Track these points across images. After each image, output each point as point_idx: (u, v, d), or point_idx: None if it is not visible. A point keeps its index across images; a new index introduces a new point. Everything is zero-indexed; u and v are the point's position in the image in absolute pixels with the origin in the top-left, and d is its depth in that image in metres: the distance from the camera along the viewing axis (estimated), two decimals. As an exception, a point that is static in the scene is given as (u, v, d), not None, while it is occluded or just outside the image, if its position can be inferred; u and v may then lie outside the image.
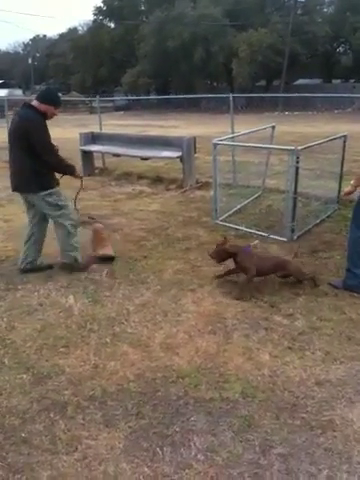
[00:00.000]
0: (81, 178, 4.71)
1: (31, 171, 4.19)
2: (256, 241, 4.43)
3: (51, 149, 4.21)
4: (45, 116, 4.20)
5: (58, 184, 4.40)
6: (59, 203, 4.36)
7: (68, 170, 4.44)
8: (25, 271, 4.54)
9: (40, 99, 4.17)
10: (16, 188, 4.38)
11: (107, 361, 3.11)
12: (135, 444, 2.41)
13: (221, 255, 4.22)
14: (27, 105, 4.18)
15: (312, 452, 2.33)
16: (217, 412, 2.62)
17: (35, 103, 4.16)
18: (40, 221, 4.54)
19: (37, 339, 3.40)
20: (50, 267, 4.66)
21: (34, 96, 4.48)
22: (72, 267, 4.55)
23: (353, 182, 3.98)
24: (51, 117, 4.26)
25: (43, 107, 4.16)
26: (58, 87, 55.60)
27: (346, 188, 4.12)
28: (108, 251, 4.83)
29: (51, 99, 4.24)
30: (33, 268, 4.57)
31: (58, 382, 2.91)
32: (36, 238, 4.56)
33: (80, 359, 3.15)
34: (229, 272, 4.32)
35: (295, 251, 4.49)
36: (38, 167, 4.18)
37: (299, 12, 39.40)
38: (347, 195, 4.19)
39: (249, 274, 4.06)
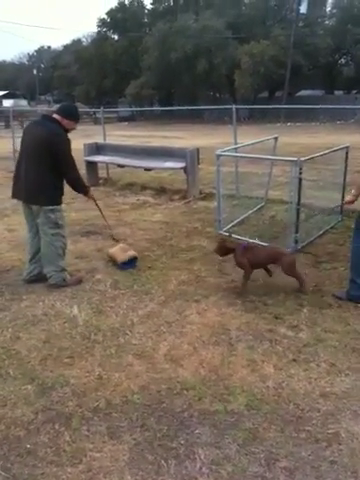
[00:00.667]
0: (94, 199, 4.80)
1: (46, 184, 4.19)
2: (256, 239, 4.52)
3: (74, 165, 4.27)
4: (66, 131, 4.25)
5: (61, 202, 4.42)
6: (58, 222, 4.35)
7: (84, 189, 4.52)
8: (30, 282, 4.55)
9: (63, 114, 4.20)
10: (26, 199, 4.32)
11: (112, 372, 3.11)
12: (140, 456, 2.40)
13: (222, 250, 4.44)
14: (50, 118, 4.21)
15: (317, 466, 2.32)
16: (222, 425, 2.61)
17: (58, 117, 4.19)
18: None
19: (42, 350, 3.41)
20: None
21: (52, 109, 4.57)
22: (60, 285, 4.51)
23: (354, 191, 4.00)
24: (69, 132, 4.31)
25: (66, 122, 4.20)
26: (62, 98, 56.13)
27: (347, 197, 4.15)
28: (131, 252, 4.94)
29: (73, 114, 4.30)
30: (38, 278, 4.56)
31: (63, 393, 2.91)
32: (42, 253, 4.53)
33: (85, 370, 3.15)
34: (245, 281, 4.33)
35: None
36: (55, 182, 4.23)
37: (300, 24, 39.64)
38: (348, 204, 4.21)
39: (245, 270, 4.24)
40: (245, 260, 4.22)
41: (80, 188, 4.48)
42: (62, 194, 4.37)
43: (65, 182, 4.34)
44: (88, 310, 4.01)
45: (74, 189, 4.44)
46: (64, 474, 2.30)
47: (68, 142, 4.20)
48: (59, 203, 4.35)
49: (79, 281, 4.57)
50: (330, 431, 2.55)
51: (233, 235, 4.93)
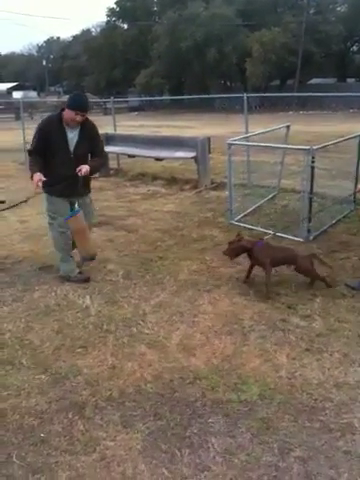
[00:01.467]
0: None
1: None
2: (268, 236, 4.42)
3: (30, 152, 4.24)
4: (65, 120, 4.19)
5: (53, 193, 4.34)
6: (50, 213, 4.34)
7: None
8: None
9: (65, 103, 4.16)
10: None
11: (124, 362, 3.12)
12: (153, 445, 2.41)
13: (237, 251, 4.22)
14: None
15: (331, 455, 2.31)
16: (235, 414, 2.61)
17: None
18: None
19: (54, 340, 3.43)
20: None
21: (61, 100, 4.50)
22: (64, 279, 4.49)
23: None
24: (70, 122, 4.19)
25: (64, 112, 4.13)
26: (71, 89, 55.93)
27: (359, 185, 4.06)
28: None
29: (70, 103, 4.17)
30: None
31: (76, 383, 2.93)
32: None
33: (97, 360, 3.16)
34: (250, 271, 4.31)
35: (313, 253, 4.43)
36: (45, 169, 4.18)
37: (312, 11, 39.15)
38: None
39: (267, 269, 4.08)
40: (267, 259, 4.08)
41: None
42: (52, 184, 4.09)
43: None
44: (100, 300, 4.02)
45: (97, 172, 4.50)
46: (78, 462, 2.31)
47: (37, 129, 4.12)
48: (49, 192, 4.22)
49: (85, 280, 4.43)
50: (344, 421, 2.54)
51: (245, 224, 4.88)
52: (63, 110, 4.09)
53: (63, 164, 4.09)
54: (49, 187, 4.14)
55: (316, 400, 2.71)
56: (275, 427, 2.50)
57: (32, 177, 4.03)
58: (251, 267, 4.29)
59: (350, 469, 2.22)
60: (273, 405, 2.67)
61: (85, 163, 4.13)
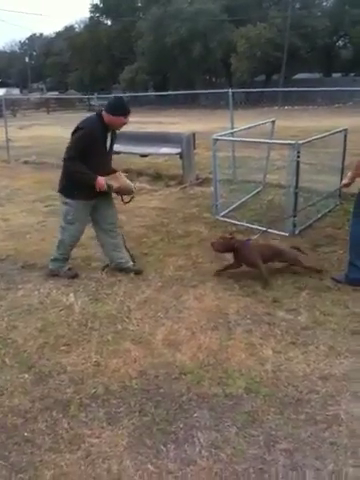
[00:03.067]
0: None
1: (63, 173, 4.21)
2: (256, 236, 4.43)
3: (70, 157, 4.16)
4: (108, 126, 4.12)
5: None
6: (67, 217, 4.30)
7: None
8: (120, 270, 4.48)
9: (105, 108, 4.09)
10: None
11: (109, 359, 3.10)
12: (139, 441, 2.39)
13: (225, 247, 4.26)
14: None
15: (317, 447, 2.31)
16: (221, 408, 2.61)
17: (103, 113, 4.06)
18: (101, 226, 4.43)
19: (38, 338, 3.39)
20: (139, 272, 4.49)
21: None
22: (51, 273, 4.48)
23: (350, 174, 3.95)
24: (114, 127, 4.16)
25: (107, 117, 4.04)
26: (55, 86, 55.51)
27: (343, 180, 4.09)
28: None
29: (110, 108, 4.11)
30: (122, 268, 4.48)
31: (60, 381, 2.90)
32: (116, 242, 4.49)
33: (82, 357, 3.13)
34: (227, 268, 4.34)
35: (297, 246, 4.47)
36: (68, 174, 4.18)
37: (297, 6, 39.19)
38: (345, 187, 4.17)
39: (260, 267, 4.12)
40: (258, 257, 4.11)
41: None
42: (83, 188, 4.05)
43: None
44: (84, 298, 3.99)
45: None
46: (63, 461, 2.29)
47: (82, 136, 3.98)
48: (76, 198, 4.14)
49: (74, 276, 4.41)
50: (329, 413, 2.54)
51: (230, 220, 4.89)
52: (99, 114, 4.01)
53: (99, 166, 4.06)
54: (78, 191, 4.09)
55: (302, 392, 2.71)
56: (261, 420, 2.50)
57: (95, 181, 3.99)
58: (231, 266, 4.32)
59: (336, 460, 2.23)
60: (259, 398, 2.66)
61: (111, 162, 4.28)
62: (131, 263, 4.51)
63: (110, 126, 4.05)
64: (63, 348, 3.25)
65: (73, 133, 4.05)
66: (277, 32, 35.85)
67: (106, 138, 4.10)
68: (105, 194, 4.19)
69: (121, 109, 4.00)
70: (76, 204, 4.16)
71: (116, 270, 4.47)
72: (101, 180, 4.00)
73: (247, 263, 4.23)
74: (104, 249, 4.50)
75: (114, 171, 4.27)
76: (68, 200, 4.18)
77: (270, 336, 3.30)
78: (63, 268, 4.45)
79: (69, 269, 4.48)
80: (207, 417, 2.54)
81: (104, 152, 4.15)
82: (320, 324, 3.43)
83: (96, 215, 4.34)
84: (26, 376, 2.94)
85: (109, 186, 4.08)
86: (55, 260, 4.44)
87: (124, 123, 4.05)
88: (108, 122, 4.00)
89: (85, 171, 3.99)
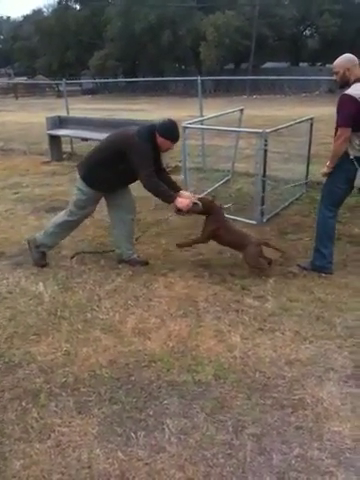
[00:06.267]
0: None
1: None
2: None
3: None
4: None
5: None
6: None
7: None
8: (126, 262, 4.41)
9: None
10: None
11: (79, 348, 3.09)
12: (109, 429, 2.41)
13: (205, 207, 4.07)
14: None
15: (283, 431, 2.38)
16: (190, 395, 2.64)
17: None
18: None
19: (7, 327, 3.35)
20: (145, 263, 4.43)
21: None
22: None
23: (329, 163, 3.95)
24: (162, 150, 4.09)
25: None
26: (23, 71, 54.12)
27: (323, 169, 4.05)
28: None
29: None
30: (125, 260, 4.41)
31: (29, 370, 2.88)
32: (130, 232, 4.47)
33: (51, 346, 3.12)
34: (194, 242, 4.37)
35: (265, 242, 4.34)
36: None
37: (266, -6, 39.26)
38: (325, 176, 4.11)
39: (201, 238, 4.21)
40: (210, 232, 4.10)
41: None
42: (102, 183, 4.09)
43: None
44: (54, 286, 3.96)
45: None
46: (32, 450, 2.28)
47: (149, 151, 3.89)
48: (97, 189, 4.13)
49: (43, 265, 4.37)
50: (295, 397, 2.61)
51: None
52: (152, 133, 3.90)
53: (131, 179, 4.16)
54: (101, 184, 4.08)
55: (269, 378, 2.77)
56: (229, 406, 2.55)
57: (173, 201, 3.94)
58: (199, 240, 4.30)
59: (302, 443, 2.30)
60: (227, 384, 2.71)
61: None
62: (136, 255, 4.47)
63: (160, 148, 3.98)
64: (32, 337, 3.22)
65: (123, 140, 3.93)
66: (245, 20, 35.88)
67: (156, 159, 4.01)
68: (124, 183, 4.20)
69: (175, 134, 3.93)
70: (93, 194, 4.12)
71: (121, 261, 4.40)
72: (185, 201, 3.93)
73: (205, 226, 4.16)
74: (115, 237, 4.42)
75: (178, 189, 4.19)
76: (86, 189, 4.09)
77: (238, 323, 3.35)
78: (45, 248, 4.40)
79: (40, 253, 4.40)
80: (176, 404, 2.58)
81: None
82: (286, 310, 3.51)
83: (116, 202, 4.30)
84: (-6, 366, 2.92)
85: (196, 204, 3.99)
86: (47, 234, 4.34)
87: (169, 149, 4.04)
88: (158, 143, 3.92)
89: (166, 189, 3.98)
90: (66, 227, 4.36)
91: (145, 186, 3.96)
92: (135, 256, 4.44)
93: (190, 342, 3.13)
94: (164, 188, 3.96)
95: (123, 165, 3.91)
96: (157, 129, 3.90)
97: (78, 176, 4.15)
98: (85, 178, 4.09)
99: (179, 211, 4.00)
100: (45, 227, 4.43)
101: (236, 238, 4.18)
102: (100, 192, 4.18)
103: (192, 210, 4.02)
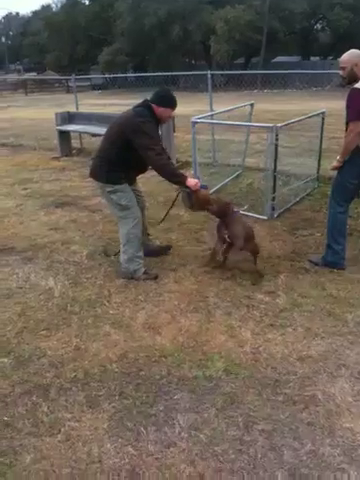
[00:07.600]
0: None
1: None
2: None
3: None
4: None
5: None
6: (121, 203, 3.99)
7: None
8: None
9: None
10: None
11: (89, 343, 3.09)
12: (119, 424, 2.41)
13: (219, 207, 3.87)
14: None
15: (295, 427, 2.36)
16: (200, 390, 2.63)
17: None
18: None
19: (17, 323, 3.36)
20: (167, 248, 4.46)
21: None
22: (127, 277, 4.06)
23: (339, 158, 3.90)
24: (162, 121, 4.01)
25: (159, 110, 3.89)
26: (33, 66, 54.21)
27: (333, 163, 4.00)
28: None
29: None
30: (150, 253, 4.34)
31: (40, 365, 2.89)
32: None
33: (62, 341, 3.12)
34: (214, 254, 4.13)
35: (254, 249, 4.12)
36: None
37: (276, -12, 38.91)
38: (335, 169, 4.06)
39: (237, 245, 3.88)
40: (242, 236, 3.84)
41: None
42: (125, 173, 3.90)
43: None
44: (64, 282, 3.96)
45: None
46: (43, 445, 2.29)
47: (153, 127, 3.81)
48: (123, 182, 3.91)
49: (155, 277, 4.03)
50: (307, 393, 2.59)
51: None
52: (149, 107, 3.81)
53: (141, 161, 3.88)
54: (125, 175, 3.89)
55: (280, 374, 2.75)
56: (240, 401, 2.53)
57: (186, 181, 3.71)
58: (217, 246, 4.04)
59: (313, 440, 2.27)
60: (238, 380, 2.70)
61: None
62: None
63: (161, 119, 3.87)
64: (43, 332, 3.23)
65: (127, 126, 3.77)
66: (256, 15, 35.55)
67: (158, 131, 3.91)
68: (140, 170, 4.06)
69: (173, 100, 3.84)
70: (125, 188, 3.91)
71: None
72: (193, 181, 3.75)
73: (230, 235, 3.87)
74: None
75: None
76: (117, 186, 3.85)
77: (249, 318, 3.33)
78: (140, 271, 4.03)
79: (145, 272, 4.06)
80: (187, 399, 2.57)
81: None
82: (298, 306, 3.48)
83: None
84: (5, 360, 2.93)
85: (206, 187, 3.88)
86: (130, 261, 4.00)
87: (171, 116, 3.91)
88: (158, 114, 3.81)
89: (176, 168, 3.85)
90: (135, 239, 4.01)
91: (154, 165, 3.75)
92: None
93: (200, 337, 3.11)
94: (174, 167, 3.86)
95: (133, 151, 3.73)
96: (153, 101, 3.81)
97: (100, 184, 3.92)
98: (109, 180, 3.86)
99: (191, 207, 3.94)
100: (121, 259, 4.07)
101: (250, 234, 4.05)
102: (127, 184, 3.96)
103: (209, 209, 3.88)
